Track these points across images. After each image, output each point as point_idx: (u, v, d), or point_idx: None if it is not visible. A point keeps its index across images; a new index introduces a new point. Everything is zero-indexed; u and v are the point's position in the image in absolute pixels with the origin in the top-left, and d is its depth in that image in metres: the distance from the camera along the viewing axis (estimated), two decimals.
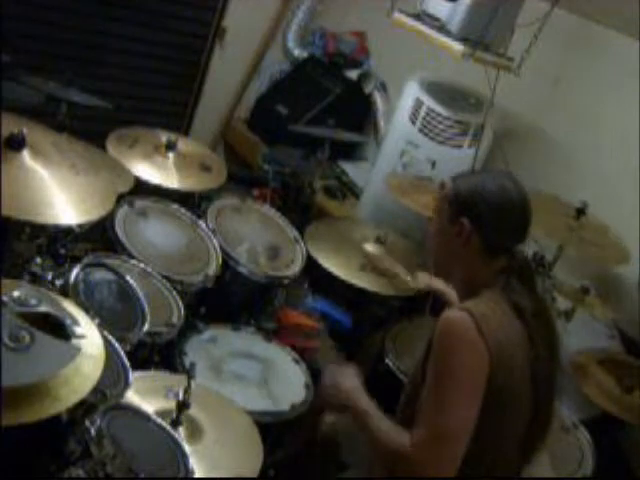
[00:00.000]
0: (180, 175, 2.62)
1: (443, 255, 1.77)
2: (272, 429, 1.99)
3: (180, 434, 1.64)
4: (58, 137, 2.01)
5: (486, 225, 1.67)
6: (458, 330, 1.55)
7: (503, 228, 1.68)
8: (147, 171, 2.56)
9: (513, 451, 1.68)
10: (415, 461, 1.51)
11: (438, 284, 2.32)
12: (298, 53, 4.31)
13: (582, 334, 2.59)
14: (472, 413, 1.52)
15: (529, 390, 1.63)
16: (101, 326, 1.51)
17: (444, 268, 1.82)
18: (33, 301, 1.36)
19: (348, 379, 1.80)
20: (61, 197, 1.69)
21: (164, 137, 2.71)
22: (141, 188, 2.51)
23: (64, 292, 1.74)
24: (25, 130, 1.70)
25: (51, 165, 1.74)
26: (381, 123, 3.94)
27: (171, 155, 2.66)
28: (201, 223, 2.52)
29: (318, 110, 3.87)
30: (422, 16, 2.92)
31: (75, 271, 1.81)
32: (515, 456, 1.70)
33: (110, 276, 1.94)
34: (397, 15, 2.99)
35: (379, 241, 2.80)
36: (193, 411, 1.71)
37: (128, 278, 1.96)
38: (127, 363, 1.67)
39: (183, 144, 2.74)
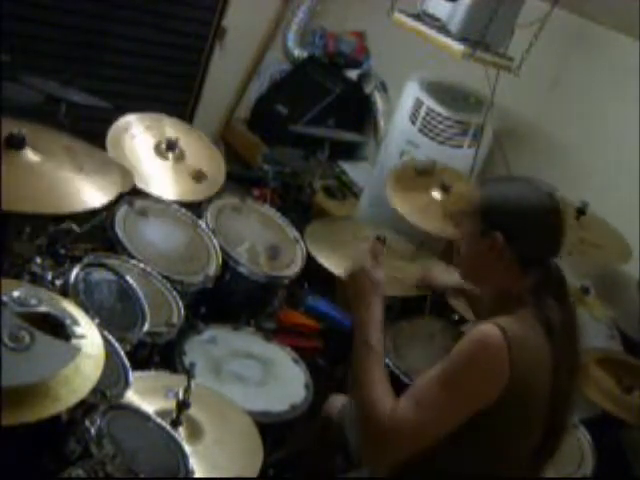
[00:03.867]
0: (175, 184, 2.59)
1: (473, 268, 1.71)
2: (272, 429, 1.99)
3: (180, 434, 1.64)
4: (61, 136, 2.03)
5: (520, 240, 1.61)
6: (488, 347, 1.50)
7: (538, 242, 1.63)
8: (144, 177, 2.54)
9: (524, 466, 1.67)
10: (384, 429, 1.49)
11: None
12: (298, 53, 4.31)
13: (582, 334, 2.59)
14: (455, 423, 1.49)
15: (548, 405, 1.60)
16: (101, 326, 1.51)
17: (475, 280, 1.77)
18: (33, 301, 1.36)
19: (378, 297, 1.68)
20: (69, 184, 1.72)
21: (168, 129, 2.68)
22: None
23: (64, 292, 1.74)
24: (25, 130, 1.71)
25: (53, 159, 1.76)
26: (381, 123, 3.95)
27: (170, 156, 2.65)
28: (201, 223, 2.51)
29: (318, 110, 3.87)
30: (422, 16, 2.92)
31: (75, 271, 1.81)
32: (526, 471, 1.69)
33: (110, 276, 1.94)
34: (397, 15, 2.99)
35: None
36: (193, 411, 1.71)
37: (128, 278, 1.96)
38: (127, 363, 1.67)
39: (185, 141, 2.71)
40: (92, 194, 1.79)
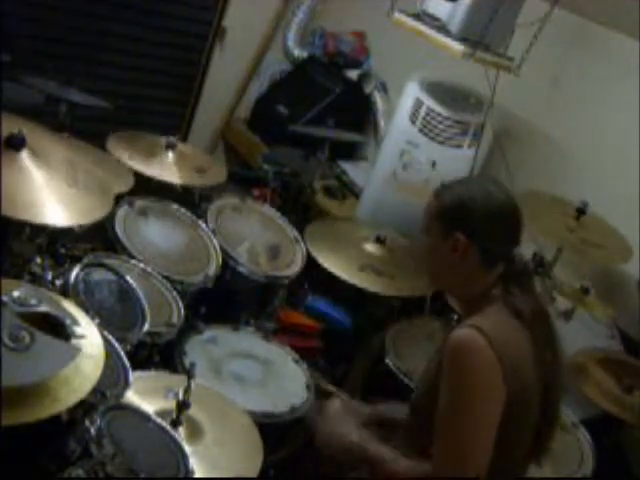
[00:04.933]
0: (180, 172, 2.63)
1: (440, 272, 1.73)
2: (272, 429, 1.99)
3: (180, 434, 1.64)
4: (64, 146, 2.01)
5: (481, 235, 1.63)
6: (470, 350, 1.52)
7: (498, 235, 1.65)
8: (148, 168, 2.57)
9: (522, 458, 1.67)
10: None
11: None
12: (298, 53, 4.31)
13: (582, 334, 2.59)
14: (491, 435, 1.50)
15: (538, 395, 1.61)
16: (101, 326, 1.51)
17: (443, 284, 1.80)
18: (33, 301, 1.36)
19: (351, 430, 1.73)
20: (59, 197, 1.70)
21: (163, 140, 2.74)
22: (142, 187, 2.52)
23: (64, 292, 1.74)
24: (25, 131, 1.70)
25: (49, 167, 1.75)
26: (381, 123, 3.94)
27: (171, 154, 2.68)
28: (201, 223, 2.52)
29: (318, 110, 3.87)
30: (422, 16, 2.92)
31: (75, 271, 1.81)
32: (524, 462, 1.70)
33: (110, 276, 1.94)
34: (397, 15, 2.99)
35: (379, 241, 2.80)
36: (193, 411, 1.71)
37: (128, 278, 1.96)
38: (127, 363, 1.67)
39: (182, 149, 2.76)
40: (76, 212, 1.74)
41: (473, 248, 1.63)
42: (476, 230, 1.63)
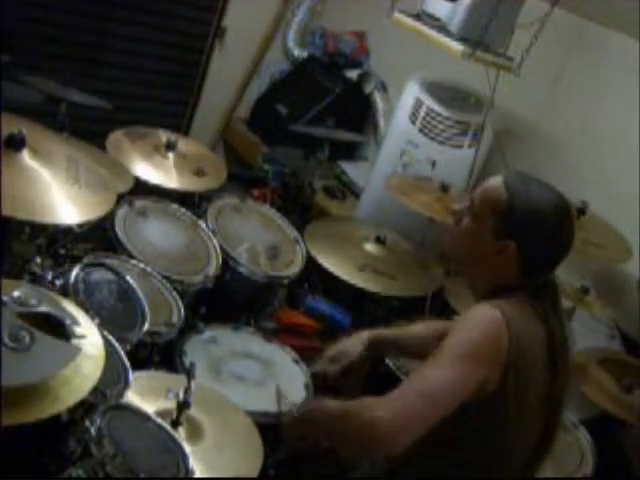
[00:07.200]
0: (179, 176, 2.62)
1: (471, 257, 1.69)
2: (272, 429, 1.99)
3: (180, 434, 1.64)
4: (66, 144, 2.00)
5: (532, 255, 1.60)
6: (486, 319, 1.51)
7: (548, 262, 1.63)
8: (147, 171, 2.57)
9: (522, 458, 1.67)
10: (382, 415, 1.42)
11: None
12: (298, 53, 4.32)
13: (582, 334, 2.59)
14: (462, 380, 1.45)
15: (543, 401, 1.60)
16: (101, 326, 1.51)
17: (467, 266, 1.74)
18: (33, 301, 1.36)
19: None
20: (61, 196, 1.70)
21: (164, 137, 2.72)
22: (141, 188, 2.52)
23: (64, 292, 1.74)
24: (25, 131, 1.70)
25: (51, 165, 1.75)
26: (381, 123, 3.95)
27: (171, 155, 2.67)
28: (201, 223, 2.51)
29: (318, 110, 3.87)
30: (422, 16, 2.92)
31: (75, 271, 1.81)
32: (522, 463, 1.69)
33: (110, 276, 1.94)
34: (397, 15, 2.99)
35: (379, 241, 2.80)
36: (193, 411, 1.71)
37: (128, 278, 1.96)
38: (127, 363, 1.67)
39: (183, 145, 2.74)
40: (80, 209, 1.73)
41: (518, 259, 1.60)
42: (531, 250, 1.60)
